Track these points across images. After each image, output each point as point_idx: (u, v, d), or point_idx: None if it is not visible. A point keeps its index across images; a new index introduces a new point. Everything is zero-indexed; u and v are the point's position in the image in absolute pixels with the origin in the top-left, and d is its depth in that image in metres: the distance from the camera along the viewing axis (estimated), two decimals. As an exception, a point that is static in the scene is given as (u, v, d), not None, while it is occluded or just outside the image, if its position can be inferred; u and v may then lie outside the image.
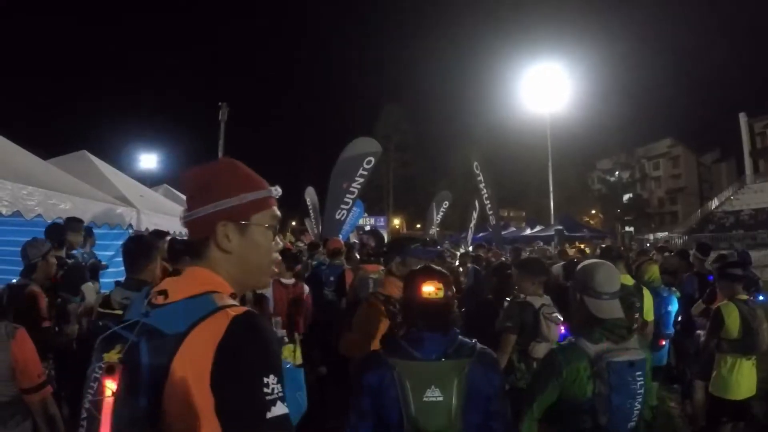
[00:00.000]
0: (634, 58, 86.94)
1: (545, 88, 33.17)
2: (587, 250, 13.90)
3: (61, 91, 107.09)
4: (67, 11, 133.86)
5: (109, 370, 1.38)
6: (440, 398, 2.50)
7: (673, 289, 6.82)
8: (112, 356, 1.40)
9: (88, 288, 5.66)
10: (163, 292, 1.48)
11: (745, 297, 5.24)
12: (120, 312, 3.63)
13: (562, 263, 8.24)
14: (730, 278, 5.30)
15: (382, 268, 5.09)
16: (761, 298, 6.55)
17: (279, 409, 1.29)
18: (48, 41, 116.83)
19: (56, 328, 5.07)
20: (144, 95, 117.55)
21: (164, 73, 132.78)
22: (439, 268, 2.87)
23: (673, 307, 6.39)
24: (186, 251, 1.43)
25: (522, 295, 4.74)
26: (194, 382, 1.32)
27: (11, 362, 2.98)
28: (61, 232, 6.10)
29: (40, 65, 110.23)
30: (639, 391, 2.84)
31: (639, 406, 2.86)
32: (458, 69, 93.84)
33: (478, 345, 2.66)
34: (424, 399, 2.50)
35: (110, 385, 1.38)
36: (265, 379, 1.30)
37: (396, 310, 3.57)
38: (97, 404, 1.38)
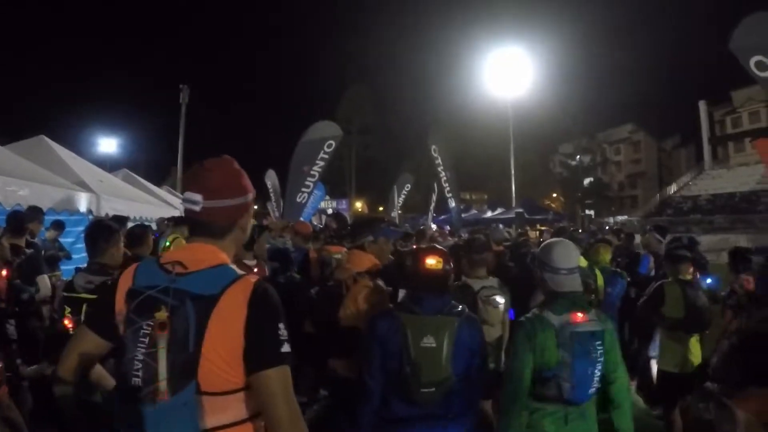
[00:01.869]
0: (597, 44, 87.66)
1: (508, 73, 33.26)
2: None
3: (19, 76, 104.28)
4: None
5: (161, 327, 1.74)
6: (434, 345, 3.09)
7: (619, 270, 7.11)
8: (162, 315, 1.75)
9: (43, 280, 5.75)
10: (179, 263, 1.87)
11: (689, 278, 5.49)
12: (85, 295, 3.74)
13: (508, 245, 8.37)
14: (676, 259, 5.57)
15: (345, 249, 5.56)
16: (709, 281, 6.85)
17: (287, 348, 1.82)
18: (6, 23, 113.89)
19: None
20: (104, 78, 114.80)
21: (124, 56, 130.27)
22: (439, 246, 3.67)
23: (614, 288, 6.58)
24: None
25: (463, 278, 4.89)
26: (230, 329, 1.75)
27: None
28: (21, 219, 6.13)
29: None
30: (599, 359, 3.05)
31: (598, 373, 3.06)
32: (422, 52, 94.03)
33: (466, 309, 3.32)
34: (421, 345, 3.09)
35: (163, 338, 1.73)
36: (280, 326, 1.83)
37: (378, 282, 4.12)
38: (153, 355, 1.74)
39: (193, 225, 2.05)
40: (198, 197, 1.93)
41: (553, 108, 52.50)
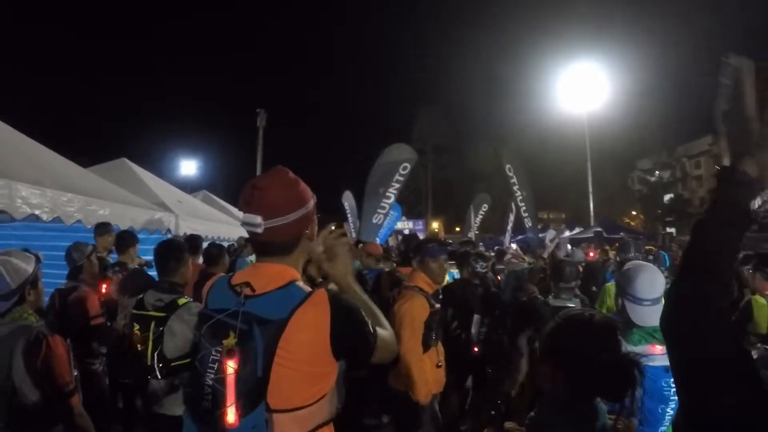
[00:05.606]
0: (672, 55, 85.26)
1: (582, 87, 32.88)
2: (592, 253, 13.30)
3: (104, 101, 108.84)
4: (109, 18, 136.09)
5: (230, 353, 1.77)
6: None
7: None
8: (230, 341, 1.79)
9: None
10: (247, 285, 1.89)
11: None
12: (154, 313, 3.72)
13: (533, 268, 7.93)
14: (764, 274, 5.25)
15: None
16: None
17: (374, 336, 1.94)
18: (91, 50, 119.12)
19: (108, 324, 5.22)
20: (184, 103, 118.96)
21: (204, 80, 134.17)
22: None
23: None
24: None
25: (550, 297, 4.87)
26: (308, 348, 1.79)
27: (38, 368, 2.91)
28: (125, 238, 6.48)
29: (83, 74, 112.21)
30: (672, 398, 2.83)
31: (671, 412, 2.84)
32: (495, 70, 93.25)
33: None
34: None
35: (231, 365, 1.77)
36: (364, 323, 1.91)
37: (428, 297, 4.34)
38: (221, 381, 1.78)
39: (258, 247, 2.01)
40: (258, 219, 1.89)
41: (630, 122, 51.30)
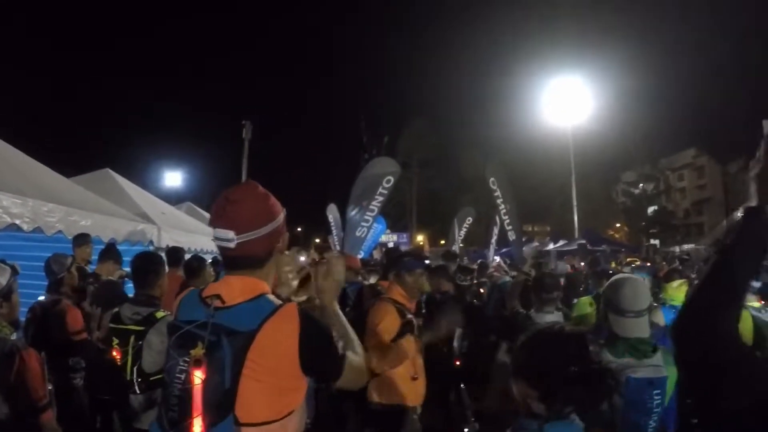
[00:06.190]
0: (655, 69, 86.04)
1: (567, 101, 33.06)
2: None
3: (88, 110, 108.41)
4: (92, 26, 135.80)
5: (197, 363, 1.76)
6: None
7: None
8: (198, 351, 1.77)
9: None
10: (217, 296, 1.88)
11: (757, 305, 5.15)
12: (133, 327, 3.70)
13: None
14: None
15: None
16: None
17: (343, 352, 1.94)
18: (75, 60, 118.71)
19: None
20: (170, 114, 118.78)
21: (190, 92, 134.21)
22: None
23: None
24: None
25: (531, 311, 4.87)
26: (276, 361, 1.78)
27: (10, 382, 2.88)
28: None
29: (68, 84, 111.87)
30: (655, 410, 2.83)
31: (654, 424, 2.84)
32: (481, 84, 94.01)
33: None
34: None
35: (198, 375, 1.75)
36: (333, 339, 1.93)
37: (403, 308, 4.32)
38: (188, 392, 1.76)
39: (229, 261, 1.98)
40: (230, 234, 1.88)
41: (614, 135, 51.50)
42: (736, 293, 1.78)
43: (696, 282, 1.85)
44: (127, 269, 6.29)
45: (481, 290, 9.09)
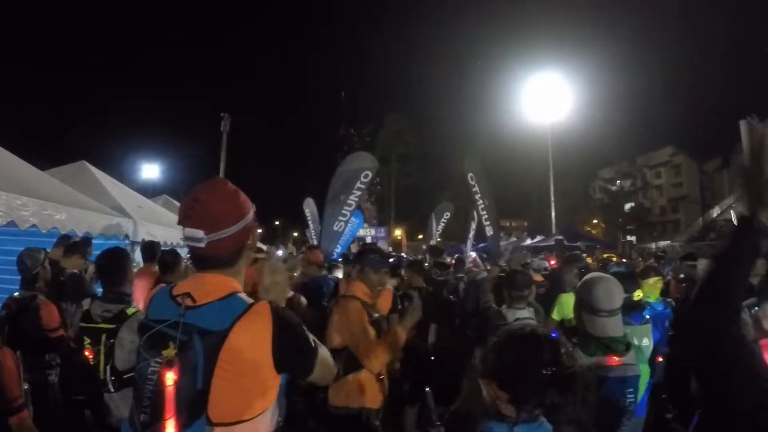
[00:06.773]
0: (635, 67, 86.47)
1: (546, 98, 33.11)
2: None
3: (66, 103, 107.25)
4: (69, 15, 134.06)
5: (169, 364, 1.73)
6: None
7: (669, 300, 6.20)
8: (170, 352, 1.75)
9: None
10: (188, 295, 1.84)
11: None
12: (104, 325, 3.66)
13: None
14: None
15: None
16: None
17: (315, 346, 1.97)
18: (52, 50, 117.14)
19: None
20: (147, 105, 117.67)
21: (168, 84, 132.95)
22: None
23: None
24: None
25: (503, 307, 4.97)
26: (249, 359, 1.76)
27: None
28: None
29: (44, 76, 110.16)
30: (629, 408, 2.85)
31: (627, 422, 2.86)
32: (461, 79, 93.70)
33: None
34: None
35: (171, 376, 1.72)
36: (307, 335, 1.94)
37: (367, 306, 4.12)
38: (160, 393, 1.73)
39: (199, 260, 1.97)
40: (200, 233, 1.86)
41: (592, 133, 51.66)
42: (734, 296, 1.93)
43: (695, 288, 2.02)
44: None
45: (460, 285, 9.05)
